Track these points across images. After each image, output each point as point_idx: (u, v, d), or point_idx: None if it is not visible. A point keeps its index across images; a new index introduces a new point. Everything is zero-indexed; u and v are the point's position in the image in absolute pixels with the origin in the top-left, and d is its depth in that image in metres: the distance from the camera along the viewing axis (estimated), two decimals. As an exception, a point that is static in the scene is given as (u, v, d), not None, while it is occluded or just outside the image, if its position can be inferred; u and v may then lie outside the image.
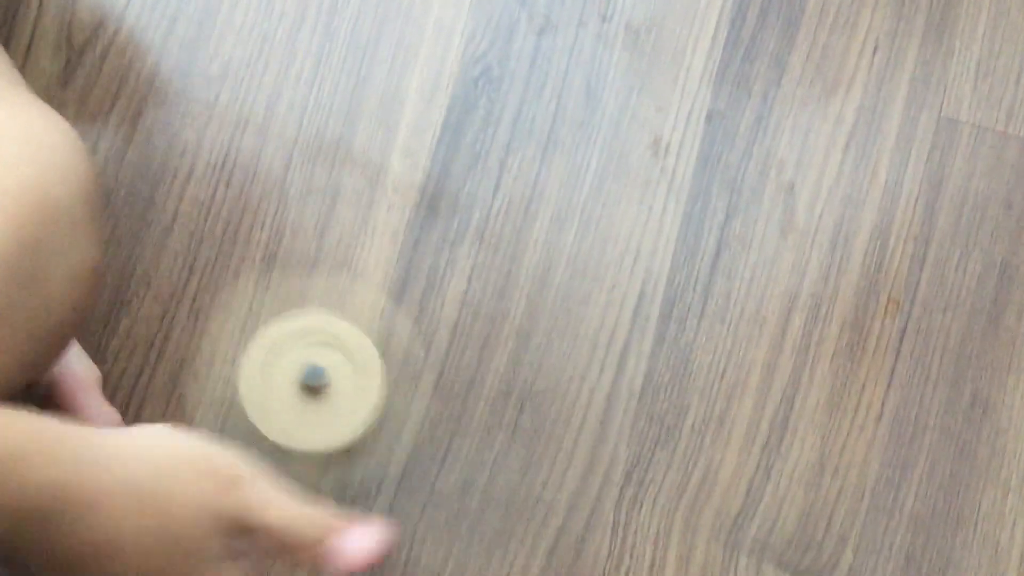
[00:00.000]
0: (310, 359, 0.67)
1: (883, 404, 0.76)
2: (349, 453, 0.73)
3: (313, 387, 0.66)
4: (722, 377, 0.76)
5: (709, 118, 0.78)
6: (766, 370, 0.76)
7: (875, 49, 0.80)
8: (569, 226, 0.77)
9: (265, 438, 0.67)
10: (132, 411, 0.74)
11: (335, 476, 0.73)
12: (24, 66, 0.76)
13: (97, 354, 0.74)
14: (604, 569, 0.73)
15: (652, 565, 0.73)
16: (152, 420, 0.74)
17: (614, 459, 0.74)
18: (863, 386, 0.76)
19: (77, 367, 0.68)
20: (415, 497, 0.73)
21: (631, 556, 0.73)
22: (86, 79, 0.76)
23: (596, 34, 0.79)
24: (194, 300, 0.75)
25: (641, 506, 0.74)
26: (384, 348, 0.74)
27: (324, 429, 0.67)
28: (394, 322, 0.75)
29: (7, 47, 0.76)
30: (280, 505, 0.55)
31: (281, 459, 0.72)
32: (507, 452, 0.74)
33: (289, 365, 0.67)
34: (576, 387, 0.75)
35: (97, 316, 0.75)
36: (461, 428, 0.74)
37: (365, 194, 0.76)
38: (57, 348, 0.56)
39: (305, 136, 0.77)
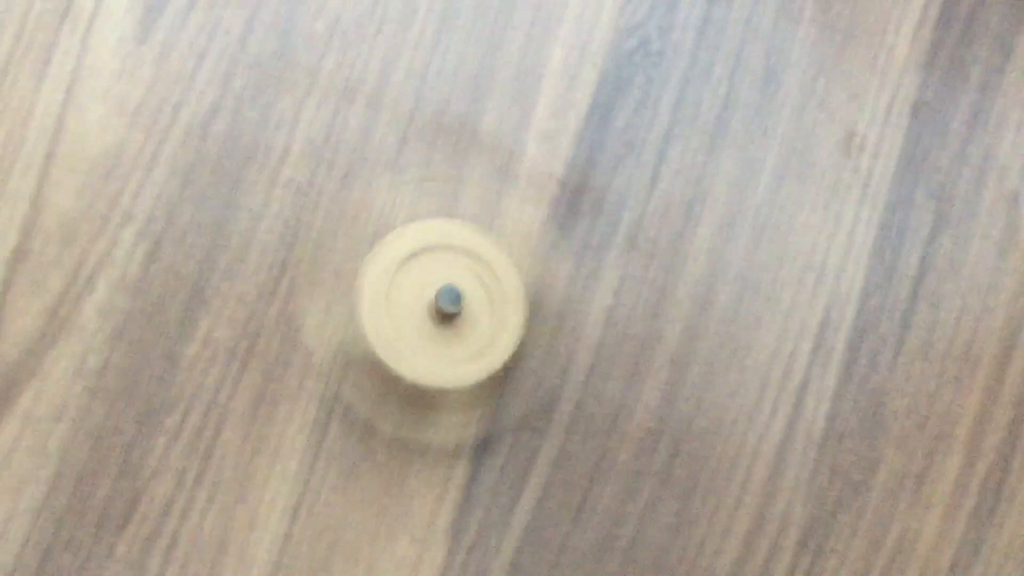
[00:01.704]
0: (443, 278, 0.62)
1: (1123, 470, 0.65)
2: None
3: (446, 313, 0.60)
4: (923, 427, 0.65)
5: (915, 110, 0.68)
6: (978, 421, 0.65)
7: (1120, 34, 0.68)
8: (739, 234, 0.67)
9: (390, 370, 0.62)
10: (208, 433, 0.64)
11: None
12: (95, 15, 0.66)
13: (169, 363, 0.64)
14: (771, 656, 0.64)
15: (830, 654, 0.64)
16: (232, 444, 0.64)
17: (786, 520, 0.64)
18: (1098, 446, 0.65)
19: None
20: (542, 554, 0.64)
21: (804, 642, 0.64)
22: (168, 33, 0.67)
23: (779, 3, 0.68)
24: (286, 302, 0.65)
25: (819, 581, 0.64)
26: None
27: (457, 362, 0.61)
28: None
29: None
30: None
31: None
32: (656, 505, 0.64)
33: (417, 282, 0.62)
34: (742, 430, 0.65)
35: (170, 317, 0.64)
36: (601, 473, 0.65)
37: (493, 185, 0.67)
38: None
39: (424, 112, 0.67)
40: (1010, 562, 0.64)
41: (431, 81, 0.67)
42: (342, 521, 0.64)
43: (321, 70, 0.67)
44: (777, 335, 0.66)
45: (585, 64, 0.68)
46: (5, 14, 0.66)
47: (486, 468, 0.65)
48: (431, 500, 0.64)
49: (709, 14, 0.68)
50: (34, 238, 0.65)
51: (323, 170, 0.66)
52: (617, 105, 0.68)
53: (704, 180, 0.67)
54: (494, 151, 0.67)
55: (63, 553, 0.63)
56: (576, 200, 0.67)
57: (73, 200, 0.66)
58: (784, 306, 0.66)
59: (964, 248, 0.67)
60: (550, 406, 0.65)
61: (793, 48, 0.68)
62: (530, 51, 0.68)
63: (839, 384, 0.66)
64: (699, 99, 0.68)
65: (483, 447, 0.65)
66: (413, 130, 0.67)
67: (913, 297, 0.66)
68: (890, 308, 0.66)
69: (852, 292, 0.66)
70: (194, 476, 0.64)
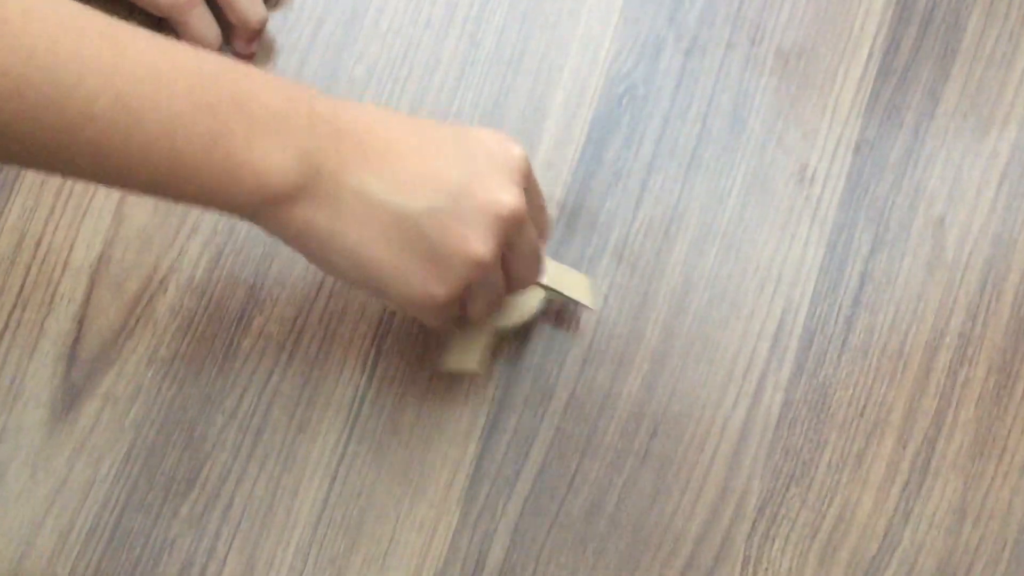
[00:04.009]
0: None
1: (1029, 451, 0.72)
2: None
3: None
4: (862, 414, 0.73)
5: (857, 148, 0.76)
6: (908, 410, 0.73)
7: (1032, 86, 0.77)
8: (709, 250, 0.75)
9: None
10: (260, 413, 0.72)
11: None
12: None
13: (228, 353, 0.72)
14: (732, 605, 0.70)
15: (782, 604, 0.70)
16: (280, 422, 0.71)
17: (747, 491, 0.71)
18: (1009, 432, 0.73)
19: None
20: (542, 517, 0.71)
21: (760, 593, 0.71)
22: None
23: (745, 57, 0.77)
24: (326, 305, 0.73)
25: (773, 542, 0.71)
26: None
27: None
28: None
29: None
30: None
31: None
32: (637, 477, 0.71)
33: None
34: (710, 414, 0.72)
35: (230, 314, 0.73)
36: (591, 449, 0.72)
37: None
38: None
39: (444, 145, 0.75)
40: (934, 529, 0.71)
41: (452, 118, 0.76)
42: (372, 488, 0.70)
43: (358, 108, 0.75)
44: (740, 335, 0.73)
45: (582, 105, 0.76)
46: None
47: (493, 446, 0.71)
48: (447, 472, 0.71)
49: (685, 66, 0.77)
50: (115, 247, 0.72)
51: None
52: (608, 141, 0.75)
53: (680, 204, 0.74)
54: (503, 178, 0.75)
55: (136, 513, 0.70)
56: (572, 220, 0.74)
57: (148, 216, 0.73)
58: (746, 311, 0.73)
59: (898, 264, 0.74)
60: (548, 393, 0.72)
61: (756, 95, 0.76)
62: (536, 94, 0.76)
63: (792, 377, 0.72)
64: (677, 136, 0.75)
65: (491, 428, 0.71)
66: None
67: (855, 304, 0.73)
68: (835, 313, 0.73)
69: (803, 300, 0.73)
70: (248, 449, 0.70)
